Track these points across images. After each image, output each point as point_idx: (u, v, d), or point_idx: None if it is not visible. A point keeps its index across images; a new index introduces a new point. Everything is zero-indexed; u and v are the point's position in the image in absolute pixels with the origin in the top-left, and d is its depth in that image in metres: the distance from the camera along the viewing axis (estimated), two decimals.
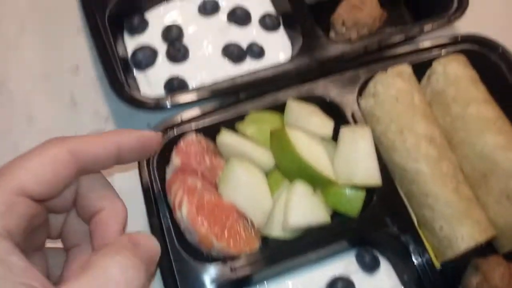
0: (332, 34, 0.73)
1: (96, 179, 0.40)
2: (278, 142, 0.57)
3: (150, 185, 0.57)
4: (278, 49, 0.71)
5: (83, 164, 0.36)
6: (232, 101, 0.62)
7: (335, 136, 0.60)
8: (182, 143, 0.57)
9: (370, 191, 0.58)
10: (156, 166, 0.58)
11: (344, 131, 0.59)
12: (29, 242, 0.36)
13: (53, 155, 0.35)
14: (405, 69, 0.64)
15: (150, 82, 0.67)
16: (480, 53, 0.68)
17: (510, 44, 0.68)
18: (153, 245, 0.37)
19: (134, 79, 0.67)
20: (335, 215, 0.58)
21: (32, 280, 0.30)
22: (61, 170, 0.35)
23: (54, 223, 0.40)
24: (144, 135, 0.40)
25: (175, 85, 0.66)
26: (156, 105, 0.60)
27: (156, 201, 0.56)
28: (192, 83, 0.67)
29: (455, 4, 0.70)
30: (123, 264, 0.32)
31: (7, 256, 0.30)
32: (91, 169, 0.38)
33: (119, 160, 0.39)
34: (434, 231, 0.58)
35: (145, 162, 0.58)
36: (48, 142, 0.36)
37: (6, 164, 0.35)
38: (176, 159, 0.56)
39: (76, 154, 0.36)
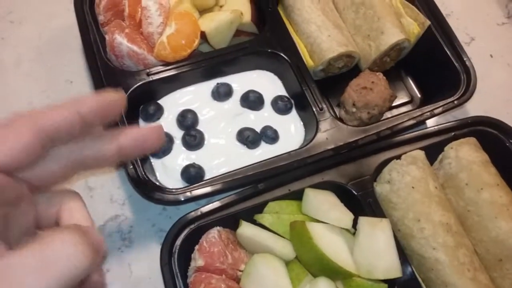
0: (342, 112, 0.75)
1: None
2: (299, 236, 0.58)
3: (172, 283, 0.57)
4: (292, 131, 0.72)
5: (46, 132, 0.37)
6: (250, 193, 0.63)
7: (353, 222, 0.61)
8: (205, 243, 0.57)
9: (391, 281, 0.58)
10: (177, 261, 0.58)
11: (363, 223, 0.60)
12: (14, 219, 0.39)
13: (13, 126, 0.36)
14: (419, 154, 0.65)
15: (167, 169, 0.68)
16: (491, 135, 0.70)
17: (511, 119, 0.71)
18: (100, 239, 0.38)
19: (151, 165, 0.68)
20: None
21: None
22: (23, 138, 0.36)
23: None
24: (105, 99, 0.41)
25: (192, 173, 0.66)
26: (176, 200, 0.61)
27: None
28: (208, 169, 0.68)
29: (463, 85, 0.72)
30: (67, 240, 0.33)
31: None
32: (58, 138, 0.38)
33: (85, 125, 0.39)
34: None
35: (167, 258, 0.58)
36: (9, 118, 0.37)
37: None
38: (199, 260, 0.56)
39: (35, 123, 0.36)
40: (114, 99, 0.42)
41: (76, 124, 0.39)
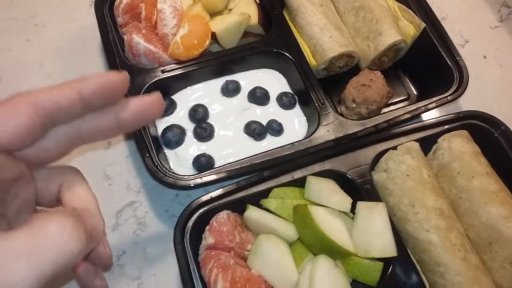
0: (343, 108, 0.80)
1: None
2: (301, 217, 0.63)
3: (185, 261, 0.61)
4: (296, 125, 0.77)
5: (46, 113, 0.37)
6: (256, 179, 0.68)
7: (352, 207, 0.66)
8: (215, 223, 0.62)
9: (387, 260, 0.63)
10: (190, 241, 0.63)
11: (361, 207, 0.65)
12: (13, 195, 0.39)
13: (13, 107, 0.36)
14: (413, 145, 0.70)
15: (179, 159, 0.73)
16: (482, 128, 0.74)
17: (504, 115, 0.75)
18: (96, 221, 0.39)
19: (164, 155, 0.73)
20: (355, 283, 0.63)
21: None
22: (22, 119, 0.36)
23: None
24: (107, 80, 0.40)
25: (202, 162, 0.71)
26: (188, 185, 0.66)
27: (191, 276, 0.61)
28: (218, 159, 0.73)
29: (456, 82, 0.77)
30: (62, 223, 0.33)
31: None
32: (59, 118, 0.38)
33: (87, 105, 0.39)
34: None
35: (180, 238, 0.63)
36: (9, 97, 0.37)
37: None
38: (209, 238, 0.61)
39: (36, 104, 0.36)
40: (117, 79, 0.41)
41: (77, 104, 0.38)
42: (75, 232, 0.34)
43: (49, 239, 0.33)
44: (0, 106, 0.36)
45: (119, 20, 0.78)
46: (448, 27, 0.84)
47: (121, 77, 0.41)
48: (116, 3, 0.78)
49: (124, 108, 0.42)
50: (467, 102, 0.85)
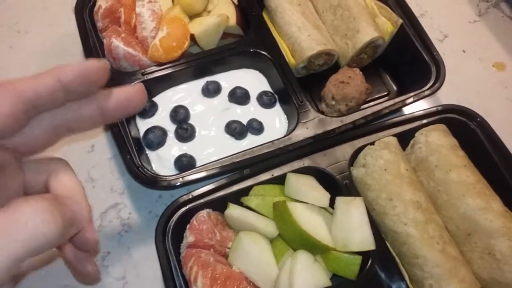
0: (323, 106, 0.81)
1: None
2: (280, 214, 0.64)
3: (166, 260, 0.62)
4: (276, 123, 0.78)
5: (27, 100, 0.38)
6: (237, 177, 0.69)
7: (331, 202, 0.67)
8: (195, 222, 0.63)
9: (366, 254, 0.63)
10: (171, 240, 0.64)
11: (340, 202, 0.66)
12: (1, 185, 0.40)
13: None
14: (391, 140, 0.71)
15: (161, 159, 0.74)
16: (459, 121, 0.75)
17: (483, 109, 0.77)
18: (78, 208, 0.39)
19: (147, 156, 0.74)
20: (335, 277, 0.64)
21: None
22: (5, 107, 0.37)
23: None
24: (87, 66, 0.41)
25: (184, 162, 0.72)
26: (169, 185, 0.67)
27: (172, 275, 0.62)
28: (199, 159, 0.74)
29: (433, 77, 0.78)
30: (36, 207, 0.34)
31: None
32: (41, 105, 0.39)
33: (68, 92, 0.40)
34: None
35: (161, 237, 0.63)
36: None
37: None
38: (190, 237, 0.62)
39: (17, 92, 0.37)
40: (96, 65, 0.42)
41: (58, 91, 0.39)
42: (49, 216, 0.35)
43: (21, 222, 0.33)
44: None
45: (99, 24, 0.79)
46: (427, 22, 0.85)
47: (100, 64, 0.42)
48: (95, 8, 0.79)
49: (108, 98, 0.43)
50: (447, 96, 0.86)
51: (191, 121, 0.76)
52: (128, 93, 0.45)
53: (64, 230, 0.36)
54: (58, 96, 0.40)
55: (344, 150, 0.72)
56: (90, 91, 0.42)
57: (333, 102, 0.79)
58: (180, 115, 0.76)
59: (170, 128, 0.76)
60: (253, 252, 0.62)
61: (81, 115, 0.43)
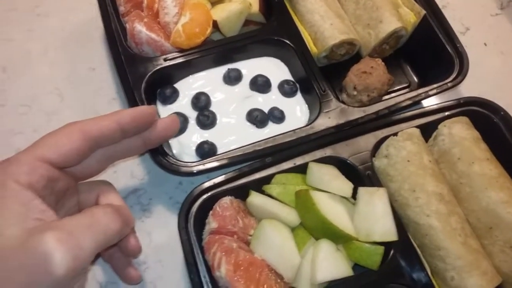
0: (344, 96, 0.80)
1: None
2: (303, 202, 0.64)
3: (189, 245, 0.62)
4: (297, 112, 0.78)
5: (92, 138, 0.50)
6: (258, 166, 0.69)
7: (353, 193, 0.67)
8: (218, 208, 0.63)
9: (387, 244, 0.63)
10: (193, 226, 0.64)
11: (362, 192, 0.65)
12: (61, 203, 0.52)
13: (69, 135, 0.49)
14: (414, 132, 0.71)
15: (183, 146, 0.73)
16: (482, 114, 0.75)
17: (505, 102, 0.76)
18: (128, 213, 0.54)
19: (168, 143, 0.74)
20: (357, 267, 0.64)
21: (44, 215, 0.44)
22: (75, 146, 0.49)
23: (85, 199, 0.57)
24: (136, 113, 0.55)
25: (205, 149, 0.72)
26: (191, 171, 0.67)
27: (195, 260, 0.62)
28: (220, 146, 0.73)
29: (456, 69, 0.77)
30: (105, 209, 0.49)
31: (29, 201, 0.44)
32: (102, 142, 0.52)
33: (125, 133, 0.54)
34: (446, 281, 0.64)
35: (184, 223, 0.63)
36: (67, 125, 0.50)
37: (36, 141, 0.49)
38: (213, 223, 0.62)
39: (85, 132, 0.50)
40: (147, 112, 0.56)
41: (117, 132, 0.53)
42: (115, 216, 0.49)
43: (100, 219, 0.47)
44: (57, 132, 0.49)
45: (121, 9, 0.79)
46: (449, 14, 0.84)
47: (150, 110, 0.57)
48: None
49: (150, 131, 0.58)
50: (468, 89, 0.85)
51: (212, 108, 0.76)
52: (166, 124, 0.60)
53: (122, 228, 0.50)
54: (117, 136, 0.53)
55: (367, 141, 0.72)
56: (141, 131, 0.57)
57: (355, 92, 0.78)
58: (201, 102, 0.76)
59: (192, 114, 0.76)
60: (275, 240, 0.62)
61: (129, 148, 0.57)
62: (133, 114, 0.54)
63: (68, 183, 0.52)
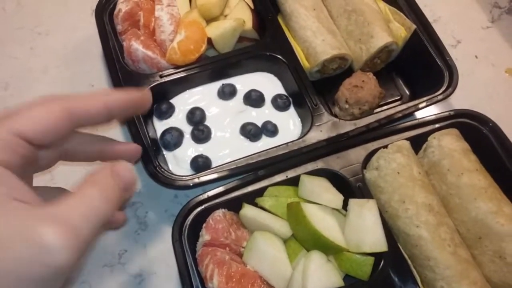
0: (336, 109, 0.82)
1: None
2: (294, 215, 0.65)
3: (183, 257, 0.64)
4: (290, 126, 0.79)
5: (75, 118, 0.45)
6: (251, 178, 0.70)
7: (344, 204, 0.68)
8: (211, 221, 0.65)
9: (378, 255, 0.64)
10: (187, 239, 0.65)
11: (353, 204, 0.67)
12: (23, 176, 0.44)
13: (50, 110, 0.43)
14: (404, 144, 0.72)
15: (178, 160, 0.75)
16: (472, 126, 0.76)
17: (496, 113, 0.77)
18: (130, 176, 0.47)
19: (163, 156, 0.76)
20: (347, 277, 0.65)
21: (27, 197, 0.40)
22: (56, 123, 0.43)
23: (43, 158, 0.49)
24: (132, 98, 0.51)
25: (200, 163, 0.74)
26: (185, 185, 0.69)
27: (189, 272, 0.63)
28: (215, 160, 0.75)
29: (446, 82, 0.79)
30: (104, 191, 0.42)
31: (7, 179, 0.39)
32: (84, 123, 0.47)
33: (111, 116, 0.49)
34: None
35: (178, 235, 0.65)
36: (47, 98, 0.44)
37: (12, 109, 0.43)
38: (206, 235, 0.64)
39: (69, 110, 0.44)
40: (138, 97, 0.52)
41: (102, 113, 0.48)
42: (114, 195, 0.43)
43: (97, 206, 0.41)
44: (38, 105, 0.43)
45: (119, 27, 0.81)
46: (441, 28, 0.86)
47: (146, 96, 0.55)
48: (115, 12, 0.81)
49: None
50: (460, 101, 0.86)
51: (207, 123, 0.78)
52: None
53: (121, 196, 0.44)
54: (101, 119, 0.48)
55: (358, 153, 0.74)
56: (126, 116, 0.53)
57: (347, 106, 0.80)
58: (196, 117, 0.77)
59: (187, 129, 0.78)
60: (268, 252, 0.64)
61: (86, 155, 0.54)
62: (123, 99, 0.50)
63: (35, 158, 0.46)
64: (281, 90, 0.83)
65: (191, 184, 0.69)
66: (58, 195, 0.48)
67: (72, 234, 0.38)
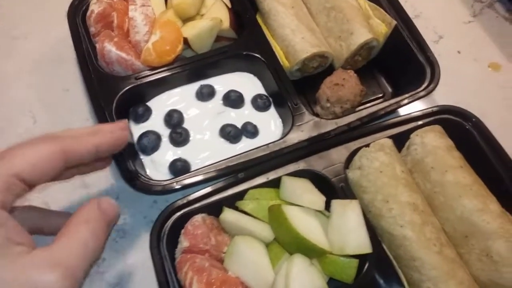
0: (318, 108, 0.80)
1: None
2: (276, 218, 0.63)
3: (161, 265, 0.62)
4: (271, 126, 0.78)
5: (69, 160, 0.47)
6: (232, 181, 0.68)
7: (327, 205, 0.66)
8: (189, 227, 0.63)
9: (362, 257, 0.63)
10: (166, 245, 0.63)
11: (335, 204, 0.65)
12: None
13: (49, 152, 0.45)
14: (386, 142, 0.71)
15: (156, 164, 0.73)
16: (455, 122, 0.75)
17: (480, 108, 0.76)
18: (115, 211, 0.50)
19: (141, 161, 0.73)
20: (332, 281, 0.64)
21: (24, 239, 0.42)
22: (53, 164, 0.45)
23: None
24: (114, 138, 0.54)
25: (178, 167, 0.72)
26: (163, 190, 0.66)
27: (167, 280, 0.61)
28: (194, 163, 0.73)
29: (428, 78, 0.78)
30: (93, 229, 0.46)
31: (5, 221, 0.41)
32: (74, 163, 0.49)
33: (97, 155, 0.52)
34: None
35: (156, 242, 0.63)
36: (45, 138, 0.47)
37: (10, 148, 0.45)
38: (184, 242, 0.62)
39: (66, 152, 0.47)
40: (122, 137, 0.56)
41: (92, 154, 0.51)
42: (102, 232, 0.47)
43: (90, 247, 0.46)
44: (36, 145, 0.46)
45: (92, 29, 0.79)
46: (422, 23, 0.85)
47: (124, 134, 0.57)
48: (88, 13, 0.79)
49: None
50: (443, 97, 0.85)
51: (185, 125, 0.76)
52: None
53: (108, 232, 0.49)
54: (90, 158, 0.51)
55: (340, 153, 0.72)
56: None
57: (328, 105, 0.78)
58: (174, 119, 0.75)
59: (164, 132, 0.75)
60: (249, 257, 0.62)
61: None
62: (111, 141, 0.54)
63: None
64: (261, 90, 0.81)
65: (170, 189, 0.67)
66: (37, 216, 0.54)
67: (70, 276, 0.41)
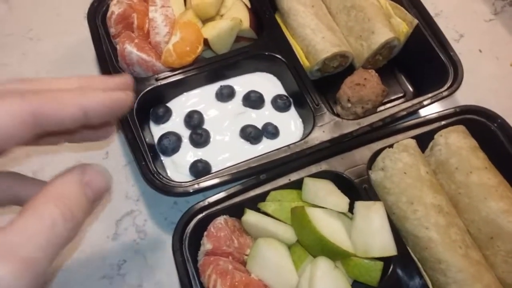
0: (338, 108, 0.80)
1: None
2: (299, 220, 0.62)
3: (184, 267, 0.61)
4: (292, 127, 0.77)
5: (44, 126, 0.35)
6: (253, 183, 0.68)
7: (350, 207, 0.66)
8: (212, 229, 0.62)
9: (387, 259, 0.62)
10: (188, 247, 0.63)
11: (359, 206, 0.64)
12: None
13: (14, 113, 0.33)
14: (410, 143, 0.70)
15: (176, 165, 0.73)
16: (479, 122, 0.74)
17: (502, 107, 0.75)
18: (104, 183, 0.38)
19: (161, 162, 0.73)
20: (356, 283, 0.63)
21: None
22: (18, 129, 0.34)
23: None
24: (112, 99, 0.39)
25: (199, 168, 0.71)
26: (185, 191, 0.66)
27: (191, 282, 0.61)
28: (215, 164, 0.73)
29: (451, 77, 0.76)
30: (67, 206, 0.34)
31: None
32: (52, 128, 0.36)
33: (87, 121, 0.37)
34: None
35: (178, 244, 0.63)
36: (12, 92, 0.34)
37: None
38: (207, 244, 0.61)
39: (37, 116, 0.34)
40: (123, 100, 0.40)
41: (76, 119, 0.37)
42: (81, 204, 0.35)
43: (48, 223, 0.33)
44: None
45: (112, 30, 0.79)
46: (443, 22, 0.84)
47: (127, 97, 0.41)
48: (108, 14, 0.79)
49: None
50: (465, 96, 0.84)
51: (205, 126, 0.76)
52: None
53: (91, 210, 0.36)
54: (74, 124, 0.37)
55: (362, 153, 0.71)
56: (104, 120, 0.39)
57: (349, 105, 0.77)
58: (194, 120, 0.75)
59: (185, 133, 0.75)
60: (272, 259, 0.61)
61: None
62: (106, 103, 0.38)
63: None
64: (281, 91, 0.80)
65: (191, 191, 0.66)
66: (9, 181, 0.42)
67: (28, 270, 0.31)
